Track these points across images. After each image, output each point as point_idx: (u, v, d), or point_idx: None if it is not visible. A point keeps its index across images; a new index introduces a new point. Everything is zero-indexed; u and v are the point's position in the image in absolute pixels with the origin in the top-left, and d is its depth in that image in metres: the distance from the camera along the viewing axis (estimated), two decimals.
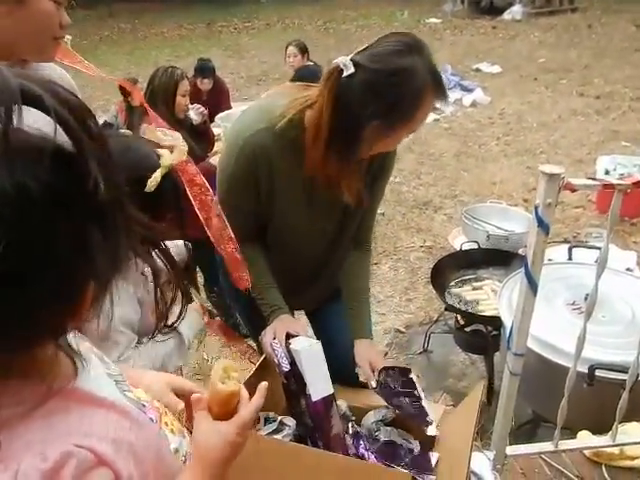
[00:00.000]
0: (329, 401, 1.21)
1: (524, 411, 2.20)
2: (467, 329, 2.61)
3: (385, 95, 1.16)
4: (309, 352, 1.22)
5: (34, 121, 0.50)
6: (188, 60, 7.95)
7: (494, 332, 2.47)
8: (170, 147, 1.20)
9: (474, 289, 2.71)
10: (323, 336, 1.48)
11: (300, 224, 1.48)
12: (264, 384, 0.85)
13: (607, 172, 4.08)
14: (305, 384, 1.19)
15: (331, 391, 1.21)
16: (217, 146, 4.08)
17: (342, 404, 1.38)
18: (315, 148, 1.27)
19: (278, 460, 1.06)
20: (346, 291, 1.63)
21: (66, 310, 0.55)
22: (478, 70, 8.45)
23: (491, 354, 2.53)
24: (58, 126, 0.50)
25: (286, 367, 1.22)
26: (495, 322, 2.39)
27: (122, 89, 3.28)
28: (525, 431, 2.18)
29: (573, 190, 1.10)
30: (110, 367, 0.73)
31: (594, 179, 1.10)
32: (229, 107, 4.88)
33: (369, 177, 1.45)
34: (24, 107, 0.48)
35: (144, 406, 0.73)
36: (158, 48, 11.29)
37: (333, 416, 1.21)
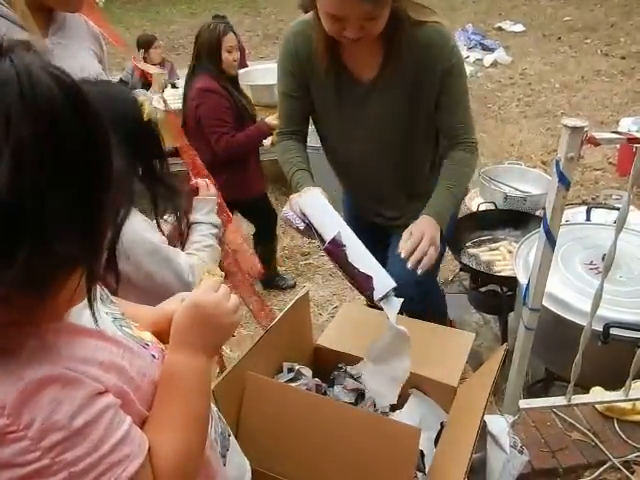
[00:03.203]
0: (338, 240, 1.21)
1: (537, 370, 2.24)
2: (482, 289, 2.63)
3: None
4: (306, 199, 1.27)
5: None
6: (204, 17, 7.81)
7: (509, 293, 2.48)
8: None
9: (490, 250, 2.70)
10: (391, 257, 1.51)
11: (335, 122, 1.61)
12: None
13: None
14: (320, 233, 1.23)
15: (337, 230, 1.21)
16: None
17: None
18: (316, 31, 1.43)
19: (296, 408, 1.09)
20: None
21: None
22: (500, 29, 8.20)
23: (505, 314, 2.55)
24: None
25: (301, 225, 1.27)
26: (510, 282, 2.40)
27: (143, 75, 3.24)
28: (538, 389, 2.21)
29: (596, 144, 1.09)
30: (109, 306, 0.75)
31: (618, 132, 1.08)
32: (245, 65, 4.81)
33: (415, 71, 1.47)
34: None
35: (147, 345, 0.74)
36: (173, 4, 11.09)
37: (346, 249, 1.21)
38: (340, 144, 1.68)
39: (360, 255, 1.20)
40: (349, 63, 1.50)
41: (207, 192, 1.41)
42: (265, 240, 3.07)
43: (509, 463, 1.15)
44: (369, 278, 1.18)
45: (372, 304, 1.27)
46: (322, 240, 1.23)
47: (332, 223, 1.24)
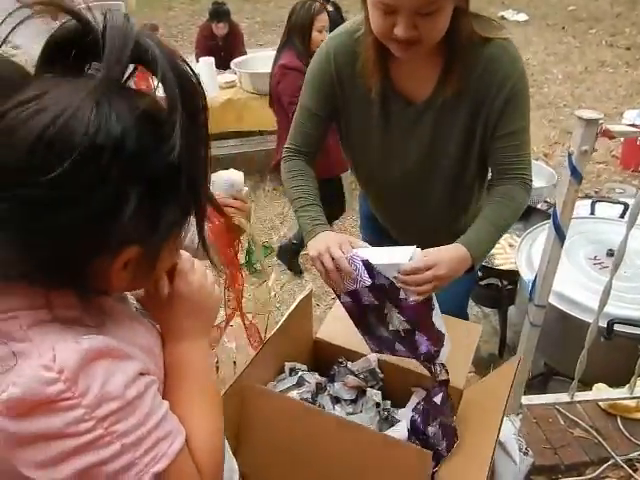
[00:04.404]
0: (428, 298, 1.12)
1: (535, 364, 2.22)
2: (482, 282, 2.60)
3: None
4: (376, 253, 1.14)
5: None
6: (203, 3, 7.70)
7: (509, 286, 2.46)
8: None
9: None
10: None
11: (376, 148, 1.43)
12: None
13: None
14: (398, 289, 1.11)
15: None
16: (229, 93, 4.03)
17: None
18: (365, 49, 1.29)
19: (297, 424, 1.05)
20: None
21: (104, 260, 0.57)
22: (503, 18, 8.11)
23: (505, 308, 2.53)
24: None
25: (368, 281, 1.13)
26: (511, 276, 2.38)
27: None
28: (536, 384, 2.19)
29: (611, 137, 1.05)
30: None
31: (635, 125, 1.04)
32: (244, 53, 4.74)
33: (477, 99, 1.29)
34: None
35: None
36: None
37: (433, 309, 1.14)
38: (379, 172, 1.49)
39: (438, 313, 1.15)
40: (400, 82, 1.33)
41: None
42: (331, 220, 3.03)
43: (518, 470, 1.12)
44: (441, 335, 1.14)
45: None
46: (400, 296, 1.11)
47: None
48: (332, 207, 3.01)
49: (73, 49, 0.56)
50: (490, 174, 1.43)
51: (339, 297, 1.22)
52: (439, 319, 1.14)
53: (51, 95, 0.53)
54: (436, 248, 1.18)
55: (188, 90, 0.56)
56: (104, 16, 0.55)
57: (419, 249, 1.11)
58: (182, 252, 0.76)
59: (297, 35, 2.71)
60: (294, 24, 2.74)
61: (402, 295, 1.11)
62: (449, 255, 1.17)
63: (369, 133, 1.41)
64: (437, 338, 1.13)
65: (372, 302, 1.16)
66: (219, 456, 0.71)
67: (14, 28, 0.56)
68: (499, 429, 0.95)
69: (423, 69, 1.28)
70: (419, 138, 1.36)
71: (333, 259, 1.15)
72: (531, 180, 1.32)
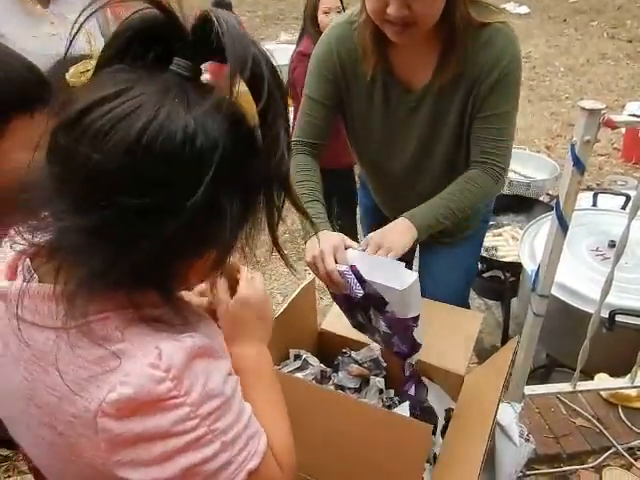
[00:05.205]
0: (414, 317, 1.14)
1: (538, 356, 2.23)
2: (485, 275, 2.61)
3: None
4: (374, 262, 1.15)
5: None
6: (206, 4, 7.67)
7: (512, 278, 2.47)
8: None
9: (494, 235, 2.69)
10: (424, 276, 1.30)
11: (378, 135, 1.45)
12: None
13: None
14: (386, 303, 1.12)
15: (418, 312, 1.13)
16: None
17: None
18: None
19: (302, 400, 1.06)
20: None
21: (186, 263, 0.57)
22: (504, 10, 8.08)
23: (508, 300, 2.54)
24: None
25: (360, 293, 1.14)
26: (514, 268, 2.39)
27: None
28: (538, 375, 2.21)
29: (614, 127, 1.06)
30: None
31: (637, 116, 1.05)
32: None
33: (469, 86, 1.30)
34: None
35: None
36: None
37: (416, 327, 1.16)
38: (381, 158, 1.51)
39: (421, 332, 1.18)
40: (399, 69, 1.35)
41: None
42: (345, 218, 2.99)
43: (518, 454, 1.14)
44: (417, 344, 1.17)
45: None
46: (385, 310, 1.13)
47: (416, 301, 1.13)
48: (344, 200, 2.99)
49: (154, 42, 0.52)
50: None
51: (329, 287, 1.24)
52: (420, 332, 1.16)
53: (137, 92, 0.49)
54: (380, 229, 1.25)
55: (282, 96, 0.55)
56: (208, 14, 0.51)
57: (416, 274, 1.09)
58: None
59: (310, 21, 2.70)
60: (305, 10, 2.74)
61: (387, 309, 1.13)
62: (391, 231, 1.24)
63: (371, 121, 1.43)
64: (412, 347, 1.17)
65: (360, 303, 1.18)
66: (294, 454, 0.71)
67: (88, 17, 0.52)
68: (497, 405, 0.96)
69: (421, 55, 1.30)
70: (419, 123, 1.38)
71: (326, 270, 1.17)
72: (502, 168, 1.34)
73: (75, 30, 0.51)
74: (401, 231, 1.25)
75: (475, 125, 1.32)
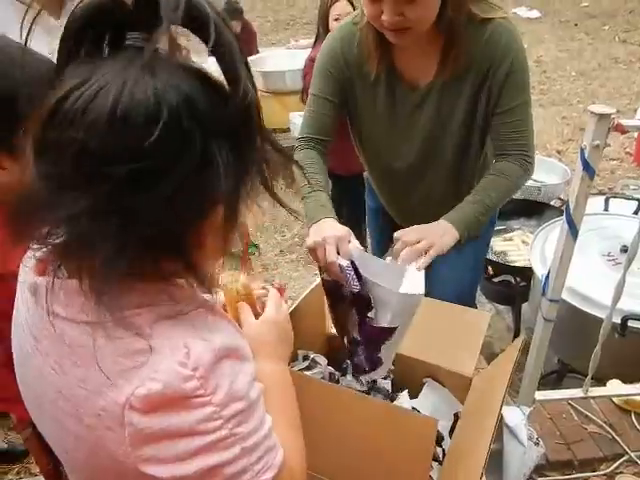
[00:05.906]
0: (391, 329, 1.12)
1: (549, 361, 2.21)
2: (495, 279, 2.60)
3: None
4: (371, 261, 1.15)
5: None
6: (214, 1, 7.72)
7: (522, 283, 2.46)
8: None
9: (505, 240, 2.68)
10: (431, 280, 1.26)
11: (382, 133, 1.47)
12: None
13: None
14: (370, 308, 1.11)
15: (399, 324, 1.11)
16: None
17: None
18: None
19: (310, 397, 1.08)
20: None
21: (196, 225, 0.56)
22: (515, 15, 8.07)
23: (518, 305, 2.53)
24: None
25: (356, 289, 1.11)
26: (525, 273, 2.38)
27: None
28: (550, 381, 2.19)
29: (623, 132, 1.05)
30: None
31: None
32: (256, 51, 4.77)
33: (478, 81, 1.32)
34: None
35: None
36: None
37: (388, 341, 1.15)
38: (387, 157, 1.52)
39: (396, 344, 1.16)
40: (402, 67, 1.37)
41: None
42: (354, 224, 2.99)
43: (526, 455, 1.13)
44: (378, 361, 1.17)
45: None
46: (367, 315, 1.12)
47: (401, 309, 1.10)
48: (352, 207, 2.99)
49: (105, 26, 0.54)
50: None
51: (321, 271, 1.21)
52: (390, 351, 1.16)
53: (102, 72, 0.51)
54: (419, 225, 1.23)
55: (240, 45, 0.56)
56: None
57: (423, 291, 1.07)
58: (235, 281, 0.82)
59: (322, 28, 2.74)
60: (318, 17, 2.78)
61: (370, 314, 1.12)
62: (432, 227, 1.23)
63: (376, 120, 1.45)
64: (373, 362, 1.17)
65: (346, 299, 1.16)
66: (305, 473, 0.70)
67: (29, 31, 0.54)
68: (502, 401, 0.97)
69: (424, 54, 1.32)
70: (424, 121, 1.40)
71: (326, 261, 1.14)
72: (530, 157, 1.35)
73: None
74: (443, 230, 1.24)
75: (494, 122, 1.34)
